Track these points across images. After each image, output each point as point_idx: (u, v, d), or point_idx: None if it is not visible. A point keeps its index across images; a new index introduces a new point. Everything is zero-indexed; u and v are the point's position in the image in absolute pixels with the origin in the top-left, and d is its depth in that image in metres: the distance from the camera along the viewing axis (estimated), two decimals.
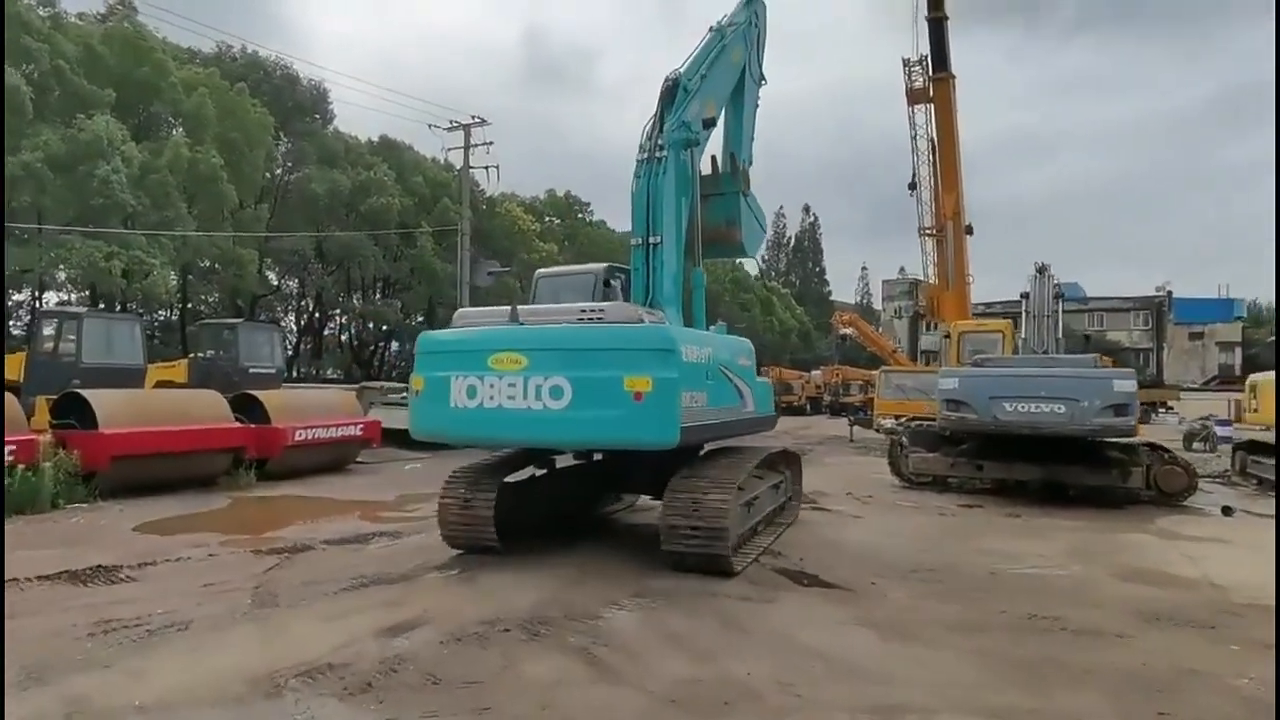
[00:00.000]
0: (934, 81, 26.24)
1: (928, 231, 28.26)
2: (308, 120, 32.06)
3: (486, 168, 25.78)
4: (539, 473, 8.28)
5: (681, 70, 8.68)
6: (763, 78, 10.36)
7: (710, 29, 9.54)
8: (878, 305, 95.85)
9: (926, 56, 26.43)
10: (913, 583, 6.66)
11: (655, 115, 8.49)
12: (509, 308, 7.26)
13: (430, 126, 25.21)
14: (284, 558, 7.40)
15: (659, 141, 8.26)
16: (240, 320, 20.71)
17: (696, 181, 8.50)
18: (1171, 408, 31.44)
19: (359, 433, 14.42)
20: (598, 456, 8.20)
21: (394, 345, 38.76)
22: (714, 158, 9.56)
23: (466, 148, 25.57)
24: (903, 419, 18.41)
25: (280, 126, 30.36)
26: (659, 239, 8.11)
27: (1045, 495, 11.91)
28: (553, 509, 8.49)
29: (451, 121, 25.20)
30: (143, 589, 6.17)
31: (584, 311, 6.97)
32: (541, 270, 10.67)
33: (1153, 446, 12.24)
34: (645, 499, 10.20)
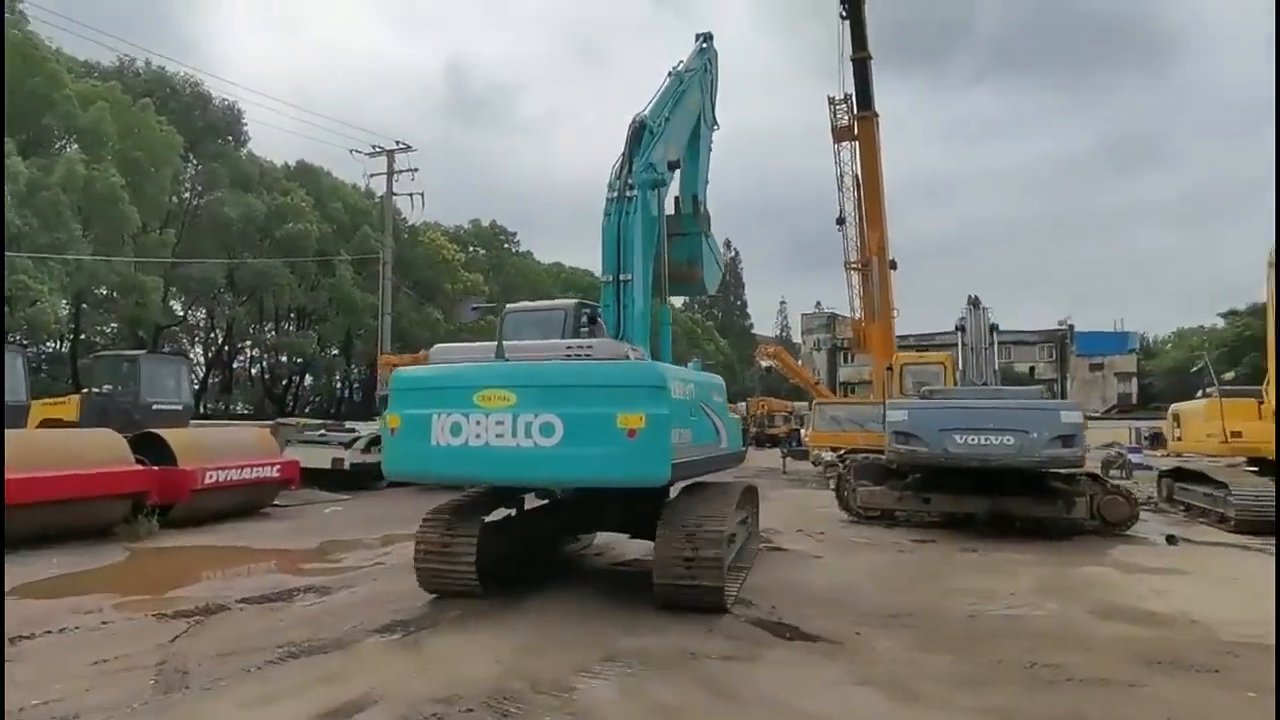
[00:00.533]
0: (858, 120, 26.84)
1: (853, 266, 28.67)
2: (220, 142, 30.40)
3: (410, 195, 24.90)
4: (510, 512, 7.94)
5: (646, 113, 8.90)
6: (716, 123, 10.63)
7: (669, 73, 9.82)
8: (796, 338, 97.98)
9: (851, 96, 27.05)
10: (896, 630, 6.25)
11: (623, 156, 8.65)
12: (492, 344, 7.14)
13: (352, 152, 24.28)
14: (194, 622, 6.44)
15: (629, 181, 8.41)
16: (143, 352, 19.13)
17: (663, 221, 8.66)
18: None
19: (276, 474, 13.28)
20: (560, 494, 7.73)
21: (308, 379, 36.92)
22: (676, 199, 9.75)
23: (390, 174, 24.64)
24: (840, 450, 18.32)
25: (190, 147, 28.67)
26: (629, 276, 8.23)
27: (993, 528, 11.82)
28: (521, 550, 8.10)
29: (375, 147, 24.29)
30: (16, 671, 5.16)
31: (570, 348, 6.92)
32: (510, 306, 10.67)
33: (1093, 477, 12.36)
34: (599, 539, 10.00)
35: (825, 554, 9.94)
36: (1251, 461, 13.49)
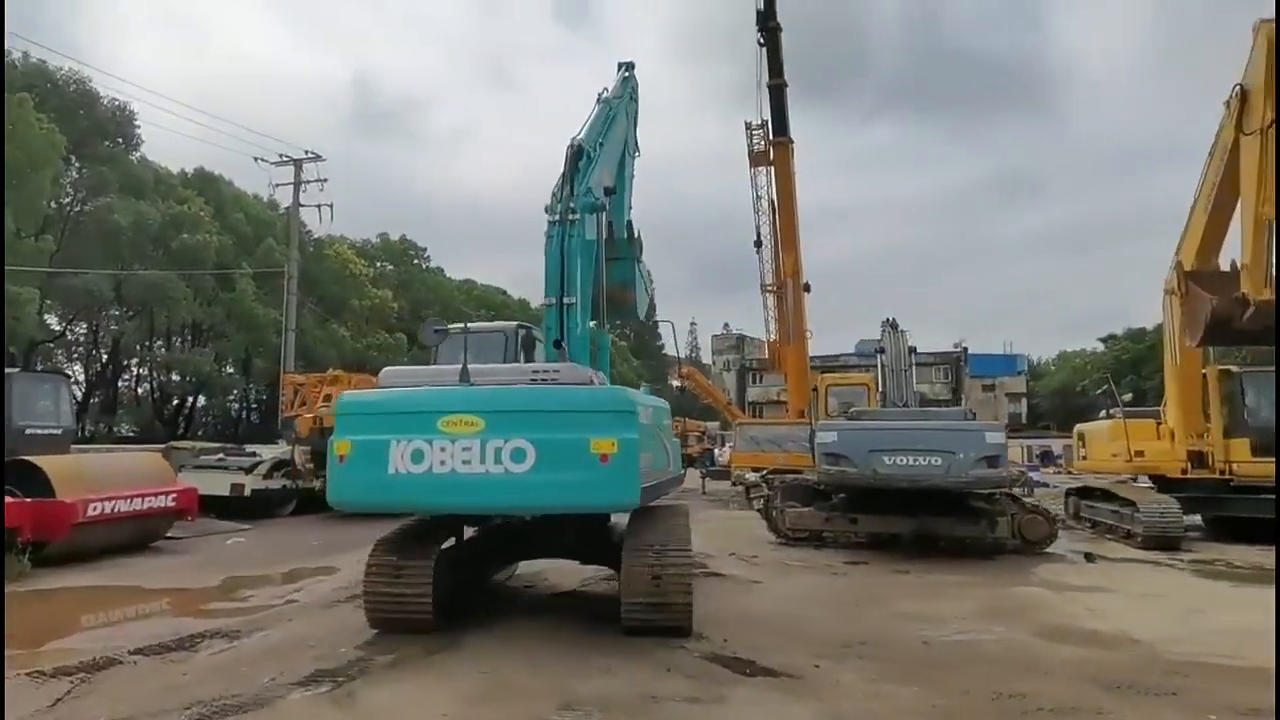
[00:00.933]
0: (774, 145, 27.32)
1: (769, 288, 29.11)
2: (109, 144, 28.18)
3: (319, 206, 23.76)
4: (450, 541, 7.53)
5: (581, 137, 9.04)
6: (638, 149, 10.83)
7: (598, 99, 10.05)
8: (706, 359, 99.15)
9: (767, 122, 27.56)
10: (854, 661, 6.07)
11: (563, 178, 8.68)
12: (444, 367, 7.13)
13: (257, 160, 22.96)
14: (78, 681, 5.64)
15: (570, 205, 8.43)
16: (16, 370, 17.38)
17: (602, 245, 8.60)
18: None
19: (171, 503, 12.19)
20: (527, 520, 7.70)
21: (201, 399, 34.57)
22: (610, 224, 9.67)
23: (297, 184, 23.48)
24: (763, 471, 18.35)
25: (73, 148, 26.48)
26: (573, 300, 8.19)
27: (918, 548, 11.95)
28: (462, 581, 7.65)
29: (282, 155, 23.05)
30: None
31: (536, 373, 6.87)
32: (450, 327, 10.37)
33: (1012, 497, 12.69)
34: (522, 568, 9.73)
35: (763, 578, 9.76)
36: (1153, 479, 14.19)
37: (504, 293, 49.80)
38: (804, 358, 27.94)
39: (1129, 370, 62.69)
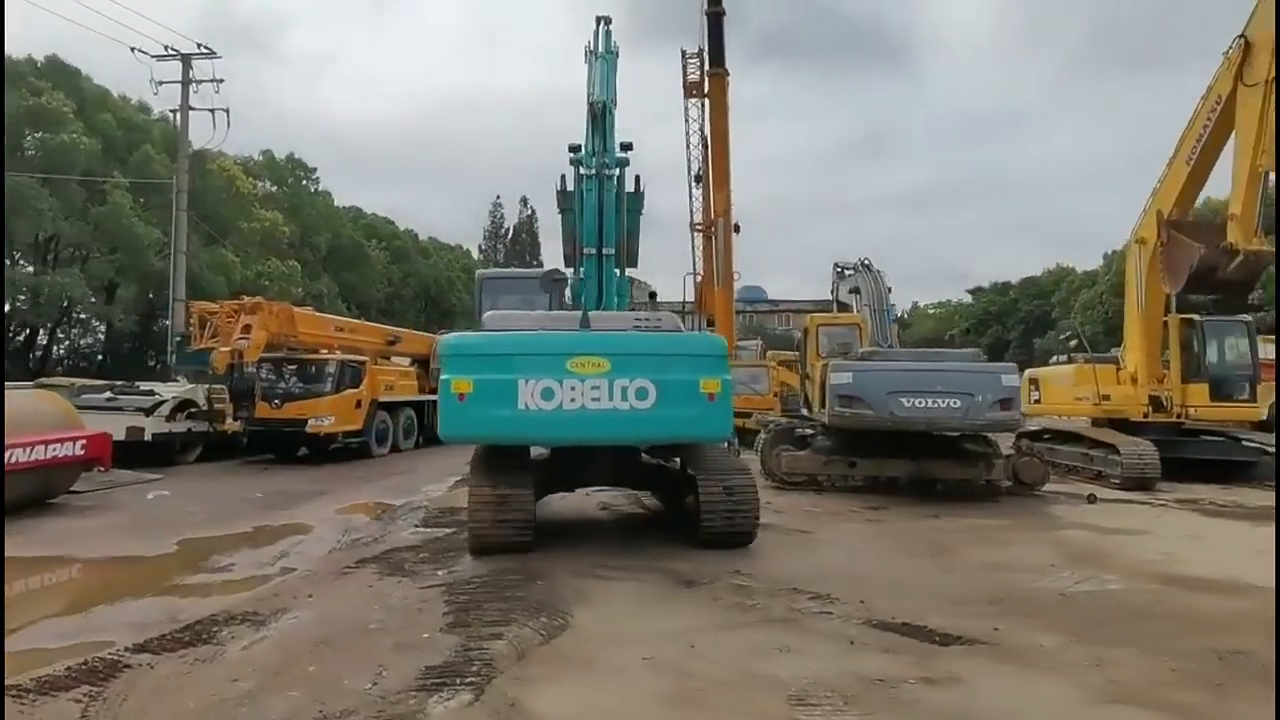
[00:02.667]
0: (710, 76, 26.17)
1: (698, 227, 28.30)
2: None
3: (213, 111, 20.51)
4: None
5: (597, 94, 9.68)
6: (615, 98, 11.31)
7: (591, 54, 10.79)
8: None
9: (703, 50, 26.34)
10: (1020, 620, 5.44)
11: (593, 135, 9.32)
12: (540, 312, 8.37)
13: (135, 50, 19.31)
14: (85, 698, 4.10)
15: (604, 161, 9.11)
16: None
17: (624, 198, 9.37)
18: None
19: (80, 451, 10.04)
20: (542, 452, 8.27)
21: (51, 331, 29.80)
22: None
23: (185, 83, 20.13)
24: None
25: None
26: (611, 250, 9.05)
27: (917, 490, 11.71)
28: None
29: (167, 48, 19.57)
30: None
31: (639, 319, 7.80)
32: (483, 271, 12.81)
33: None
34: None
35: (808, 527, 9.06)
36: (1113, 423, 14.59)
37: (391, 222, 46.48)
38: (731, 300, 27.55)
39: (995, 322, 67.19)
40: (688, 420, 6.86)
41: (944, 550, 7.93)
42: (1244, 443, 13.73)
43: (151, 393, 15.45)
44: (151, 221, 22.27)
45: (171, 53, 19.81)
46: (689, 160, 27.83)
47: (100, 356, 28.05)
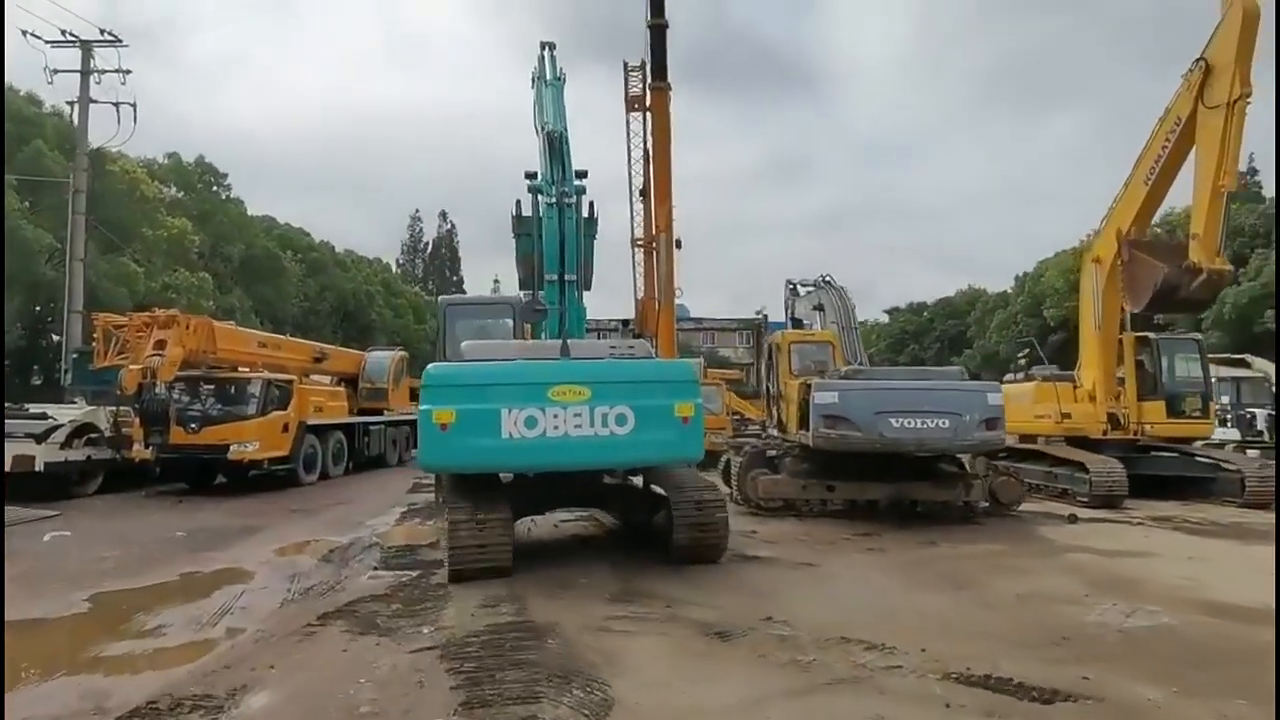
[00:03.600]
0: (652, 90, 25.70)
1: (639, 243, 27.69)
2: None
3: (117, 105, 18.60)
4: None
5: (551, 123, 10.08)
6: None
7: (541, 81, 11.23)
8: None
9: (645, 63, 25.88)
10: (1099, 666, 4.88)
11: (551, 163, 9.68)
12: (512, 341, 8.75)
13: (27, 34, 17.27)
14: None
15: (564, 189, 9.53)
16: None
17: (583, 225, 9.92)
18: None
19: None
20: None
21: None
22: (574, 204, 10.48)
23: (85, 73, 18.20)
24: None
25: None
26: (573, 276, 9.52)
27: (898, 514, 11.28)
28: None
29: (67, 33, 17.60)
30: None
31: (614, 347, 8.19)
32: (446, 298, 11.97)
33: (989, 458, 12.36)
34: None
35: (807, 559, 8.41)
36: (1070, 440, 14.60)
37: (307, 234, 44.10)
38: (673, 317, 27.02)
39: (912, 340, 69.17)
40: (664, 444, 7.18)
41: (966, 582, 7.39)
42: (1198, 458, 13.91)
43: (44, 415, 13.64)
44: (42, 225, 20.05)
45: (70, 39, 17.87)
46: (630, 175, 27.17)
47: None
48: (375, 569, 8.11)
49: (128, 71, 18.35)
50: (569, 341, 7.99)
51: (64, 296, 18.12)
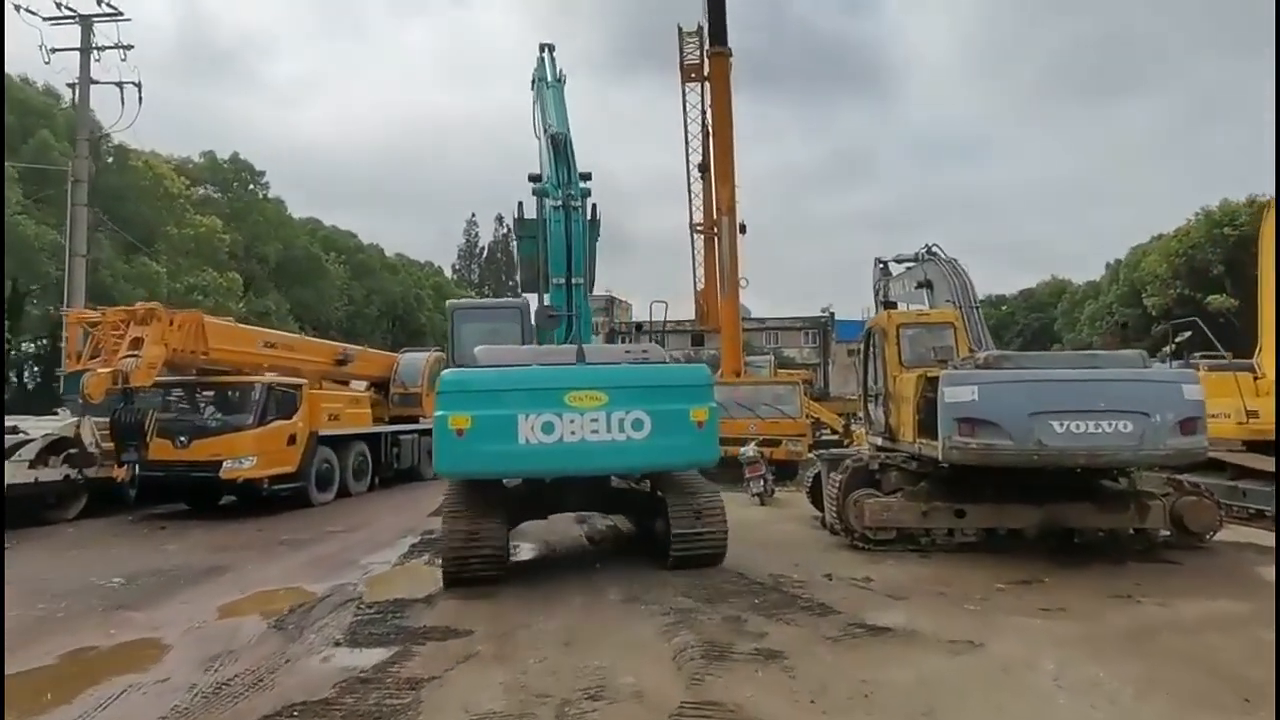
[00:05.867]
0: (712, 57, 23.16)
1: (698, 228, 25.07)
2: None
3: (120, 84, 16.92)
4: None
5: (556, 126, 10.05)
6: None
7: (542, 83, 10.91)
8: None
9: (703, 28, 23.33)
10: None
11: (556, 166, 9.69)
12: (532, 347, 8.81)
13: (21, 10, 15.56)
14: None
15: (570, 192, 9.49)
16: None
17: (588, 227, 9.77)
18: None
19: None
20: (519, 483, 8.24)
21: None
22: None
23: (85, 50, 16.55)
24: (749, 443, 14.34)
25: None
26: (580, 280, 9.46)
27: (1048, 547, 8.47)
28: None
29: (62, 6, 15.88)
30: None
31: (629, 351, 8.08)
32: (453, 302, 12.77)
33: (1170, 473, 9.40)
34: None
35: (967, 631, 5.67)
36: (1249, 446, 11.43)
37: (354, 236, 42.74)
38: (737, 310, 24.40)
39: (992, 335, 64.58)
40: (680, 448, 7.14)
41: (1238, 680, 4.59)
42: None
43: (15, 429, 11.75)
44: (49, 222, 18.56)
45: (68, 14, 16.24)
46: (687, 152, 24.66)
47: None
48: (337, 642, 5.73)
49: (129, 47, 16.67)
50: (586, 346, 7.91)
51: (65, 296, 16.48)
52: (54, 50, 16.43)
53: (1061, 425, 7.67)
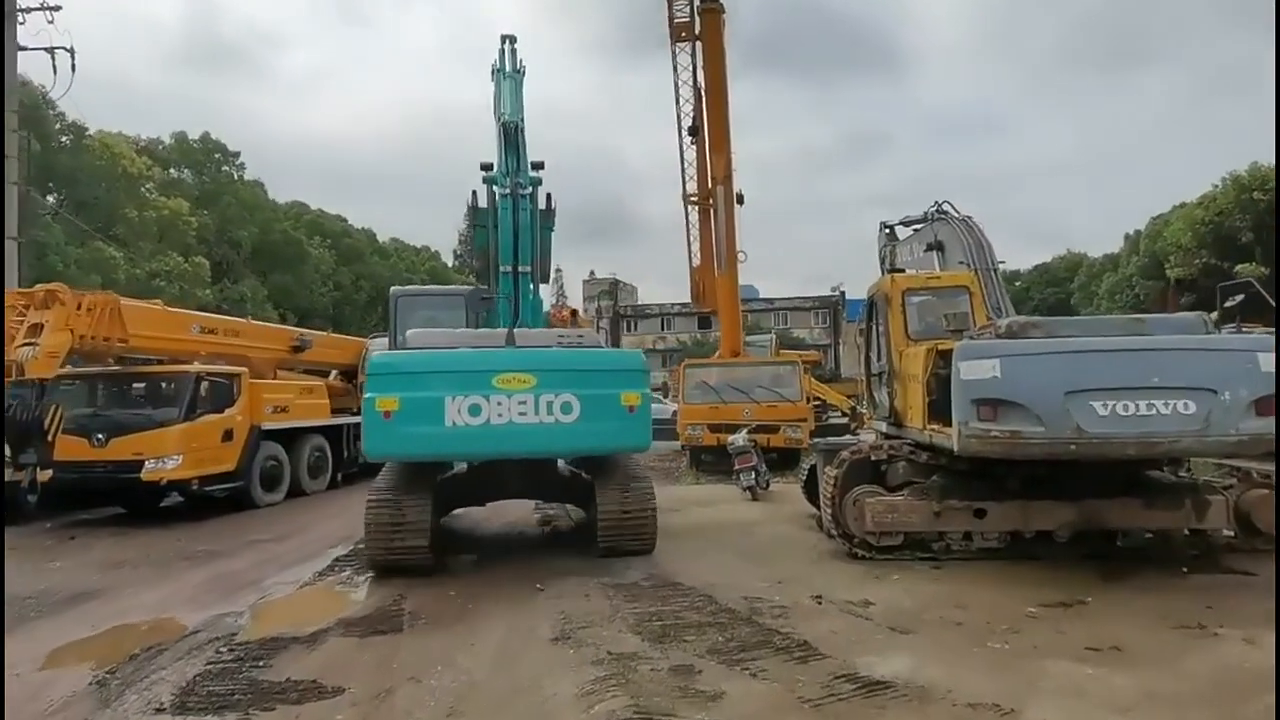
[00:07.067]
0: (703, 13, 21.44)
1: (693, 199, 23.46)
2: None
3: (50, 50, 15.52)
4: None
5: (509, 114, 10.10)
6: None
7: (500, 74, 10.99)
8: (574, 307, 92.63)
9: None
10: None
11: (505, 154, 9.73)
12: (461, 330, 8.93)
13: None
14: None
15: (519, 180, 9.58)
16: None
17: (538, 216, 9.88)
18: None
19: None
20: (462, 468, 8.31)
21: None
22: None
23: (10, 13, 15.11)
24: (747, 429, 12.87)
25: None
26: (527, 268, 9.53)
27: (1080, 552, 7.04)
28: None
29: None
30: None
31: (561, 336, 8.25)
32: (397, 289, 12.26)
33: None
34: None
35: (997, 693, 4.20)
36: None
37: (344, 219, 41.27)
38: (735, 286, 22.77)
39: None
40: (610, 432, 7.08)
41: None
42: None
43: None
44: None
45: None
46: (679, 116, 22.82)
47: None
48: (159, 708, 4.36)
49: (56, 8, 15.24)
50: (517, 330, 7.96)
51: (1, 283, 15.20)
52: None
53: (1105, 407, 6.19)
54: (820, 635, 5.15)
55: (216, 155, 28.97)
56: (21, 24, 15.06)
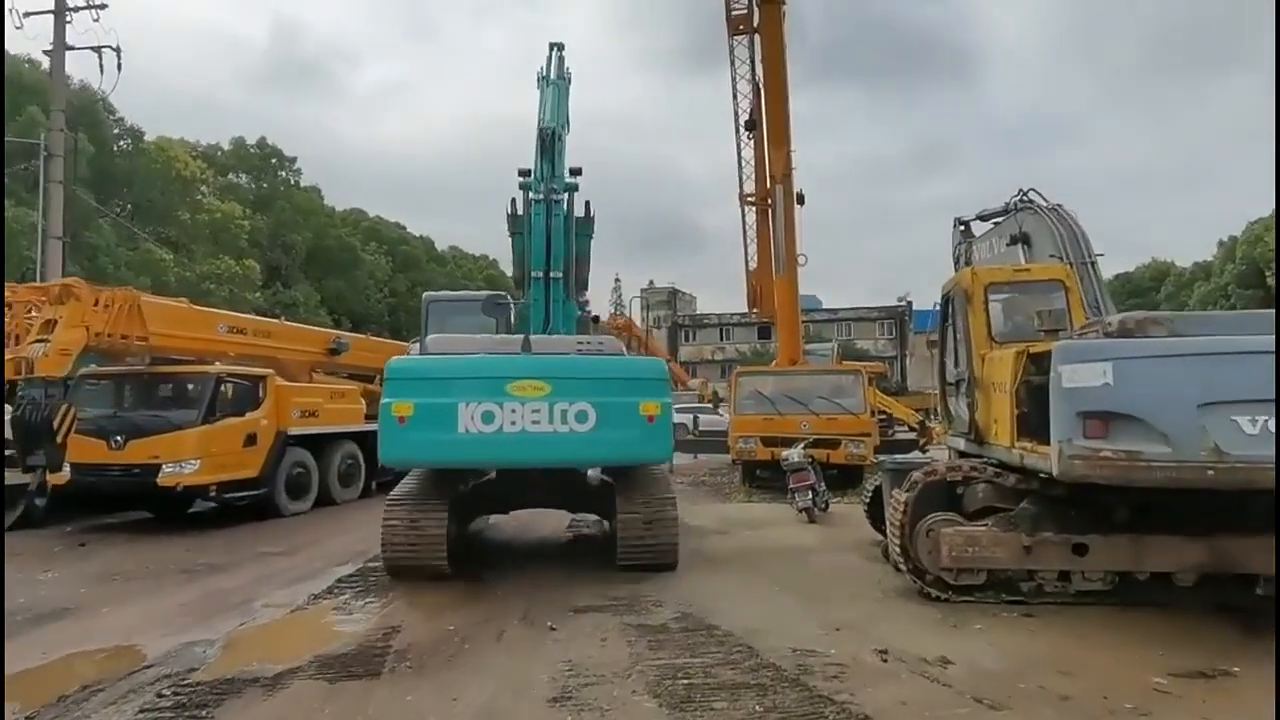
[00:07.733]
0: (763, 5, 20.43)
1: (749, 199, 22.37)
2: None
3: (98, 49, 15.45)
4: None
5: (548, 120, 10.08)
6: (568, 125, 10.88)
7: (541, 81, 11.11)
8: (629, 315, 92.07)
9: None
10: None
11: (541, 161, 9.71)
12: (486, 336, 8.26)
13: None
14: None
15: (553, 186, 9.54)
16: None
17: (572, 223, 9.77)
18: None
19: None
20: (491, 476, 8.10)
21: None
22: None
23: (60, 12, 15.08)
24: (797, 447, 11.69)
25: None
26: (559, 274, 9.42)
27: (1220, 605, 5.73)
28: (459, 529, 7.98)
29: None
30: None
31: (581, 343, 7.96)
32: (430, 294, 11.94)
33: None
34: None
35: None
36: None
37: (403, 227, 41.42)
38: (795, 291, 21.53)
39: None
40: (627, 443, 6.88)
41: None
42: None
43: None
44: (29, 204, 17.36)
45: None
46: (735, 111, 21.92)
47: None
48: None
49: (102, 6, 15.15)
50: (534, 337, 7.83)
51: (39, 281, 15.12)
52: (26, 14, 15.15)
53: (1253, 423, 4.94)
54: (886, 707, 4.07)
55: (273, 160, 29.28)
56: (69, 23, 15.17)
